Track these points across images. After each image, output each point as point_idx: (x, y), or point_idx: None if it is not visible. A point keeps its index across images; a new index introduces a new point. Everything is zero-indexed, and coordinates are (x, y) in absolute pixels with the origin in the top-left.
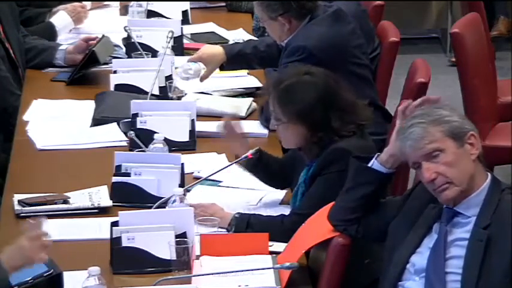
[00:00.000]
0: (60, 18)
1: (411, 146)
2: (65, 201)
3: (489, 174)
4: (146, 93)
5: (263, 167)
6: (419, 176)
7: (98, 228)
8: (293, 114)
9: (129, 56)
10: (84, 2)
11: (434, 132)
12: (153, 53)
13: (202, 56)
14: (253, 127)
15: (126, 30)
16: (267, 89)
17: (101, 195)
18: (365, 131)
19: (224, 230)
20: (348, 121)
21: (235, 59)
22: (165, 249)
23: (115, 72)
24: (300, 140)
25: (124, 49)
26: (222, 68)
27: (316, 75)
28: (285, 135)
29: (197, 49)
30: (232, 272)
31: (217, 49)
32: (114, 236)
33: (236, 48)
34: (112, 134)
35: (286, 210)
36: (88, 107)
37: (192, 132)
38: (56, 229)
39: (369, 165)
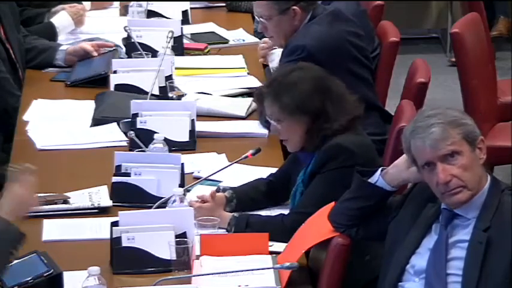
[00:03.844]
0: (61, 19)
1: (431, 145)
2: (65, 201)
3: (489, 175)
4: (146, 93)
5: (249, 205)
6: (426, 177)
7: (98, 228)
8: (292, 106)
9: (129, 56)
10: (84, 3)
11: (454, 134)
12: (153, 53)
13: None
14: (253, 127)
15: (126, 30)
16: (259, 95)
17: (101, 195)
18: (359, 127)
19: (224, 230)
20: (342, 111)
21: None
22: (165, 249)
23: (115, 72)
24: (302, 133)
25: (124, 49)
26: None
27: (306, 69)
28: (288, 134)
29: (197, 49)
30: (232, 272)
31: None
32: (114, 236)
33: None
34: (112, 134)
35: (285, 211)
36: (88, 107)
37: (192, 132)
38: (56, 229)
39: (373, 181)
